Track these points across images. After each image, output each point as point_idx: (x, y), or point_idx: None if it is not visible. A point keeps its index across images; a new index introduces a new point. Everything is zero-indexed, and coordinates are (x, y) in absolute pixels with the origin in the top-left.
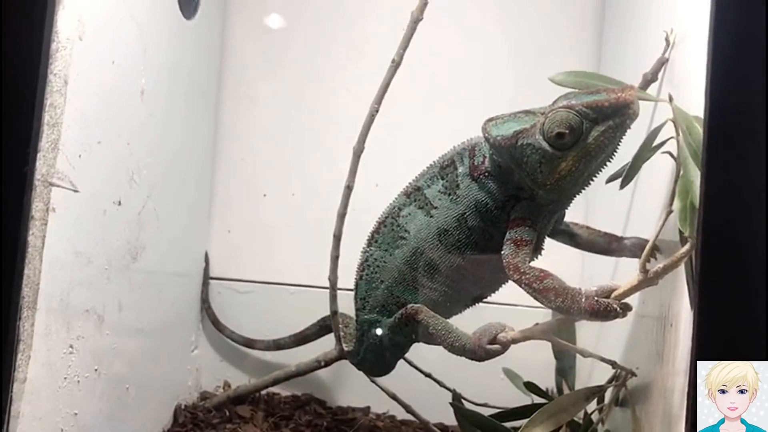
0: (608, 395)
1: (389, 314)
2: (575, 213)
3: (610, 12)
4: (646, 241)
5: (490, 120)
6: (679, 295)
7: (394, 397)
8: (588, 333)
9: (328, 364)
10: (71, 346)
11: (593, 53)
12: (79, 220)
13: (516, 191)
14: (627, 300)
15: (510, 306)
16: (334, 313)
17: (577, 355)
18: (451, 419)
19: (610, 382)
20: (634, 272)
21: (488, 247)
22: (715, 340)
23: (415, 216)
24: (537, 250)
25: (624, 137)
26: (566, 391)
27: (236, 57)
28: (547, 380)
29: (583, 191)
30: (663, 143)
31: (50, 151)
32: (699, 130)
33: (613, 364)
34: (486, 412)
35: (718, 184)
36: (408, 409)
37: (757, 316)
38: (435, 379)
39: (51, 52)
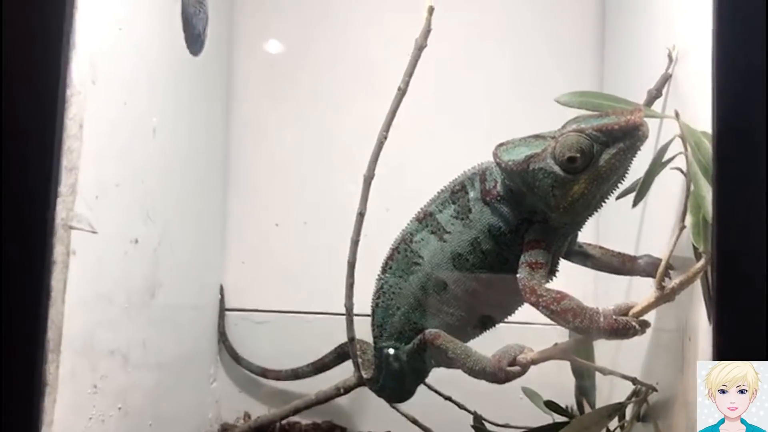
0: (629, 411)
1: (407, 340)
2: (587, 231)
3: (610, 29)
4: (660, 259)
5: (501, 145)
6: (696, 308)
7: (414, 422)
8: (606, 350)
9: (347, 391)
10: (95, 386)
11: (596, 72)
12: (99, 262)
13: (529, 214)
14: (644, 316)
15: (525, 324)
16: (351, 339)
17: (597, 373)
18: None
19: (630, 398)
20: (651, 289)
21: (503, 271)
22: (734, 352)
23: (429, 241)
24: (551, 272)
25: (634, 158)
26: (587, 409)
27: (244, 89)
28: (566, 398)
29: (595, 213)
30: (671, 159)
31: (69, 194)
32: (707, 145)
33: (633, 380)
34: None
35: (730, 198)
36: None
37: None
38: (455, 402)
39: (67, 97)
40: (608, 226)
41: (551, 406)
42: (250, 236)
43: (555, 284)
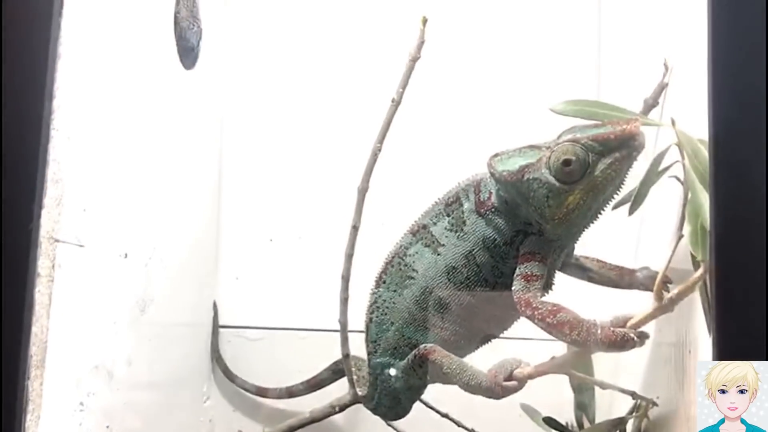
0: (630, 426)
1: (402, 356)
2: (582, 240)
3: (606, 38)
4: (657, 272)
5: (496, 155)
6: (696, 321)
7: None
8: (605, 364)
9: (342, 409)
10: (81, 404)
11: (591, 80)
12: (85, 276)
13: (524, 226)
14: (643, 328)
15: (523, 340)
16: (346, 356)
17: (596, 387)
18: None
19: (631, 413)
20: (649, 300)
21: (498, 284)
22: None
23: (423, 254)
24: (548, 285)
25: (630, 169)
26: (587, 424)
27: (237, 103)
28: (566, 414)
29: (591, 225)
30: (668, 168)
31: (55, 207)
32: (704, 153)
33: (633, 394)
34: None
35: (728, 205)
36: None
37: None
38: (452, 419)
39: (53, 108)
40: (605, 236)
41: (550, 422)
42: (243, 252)
43: (550, 295)
